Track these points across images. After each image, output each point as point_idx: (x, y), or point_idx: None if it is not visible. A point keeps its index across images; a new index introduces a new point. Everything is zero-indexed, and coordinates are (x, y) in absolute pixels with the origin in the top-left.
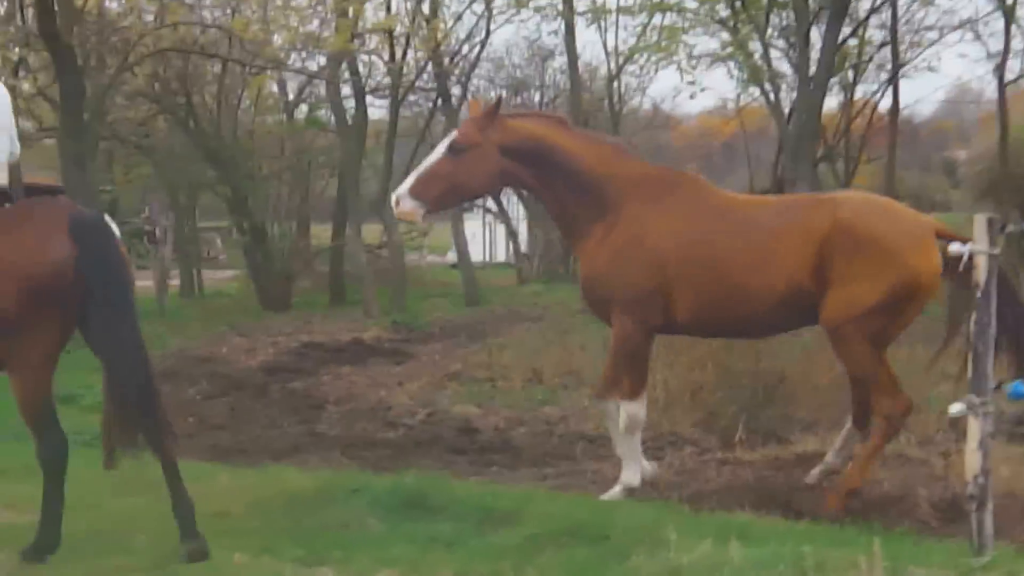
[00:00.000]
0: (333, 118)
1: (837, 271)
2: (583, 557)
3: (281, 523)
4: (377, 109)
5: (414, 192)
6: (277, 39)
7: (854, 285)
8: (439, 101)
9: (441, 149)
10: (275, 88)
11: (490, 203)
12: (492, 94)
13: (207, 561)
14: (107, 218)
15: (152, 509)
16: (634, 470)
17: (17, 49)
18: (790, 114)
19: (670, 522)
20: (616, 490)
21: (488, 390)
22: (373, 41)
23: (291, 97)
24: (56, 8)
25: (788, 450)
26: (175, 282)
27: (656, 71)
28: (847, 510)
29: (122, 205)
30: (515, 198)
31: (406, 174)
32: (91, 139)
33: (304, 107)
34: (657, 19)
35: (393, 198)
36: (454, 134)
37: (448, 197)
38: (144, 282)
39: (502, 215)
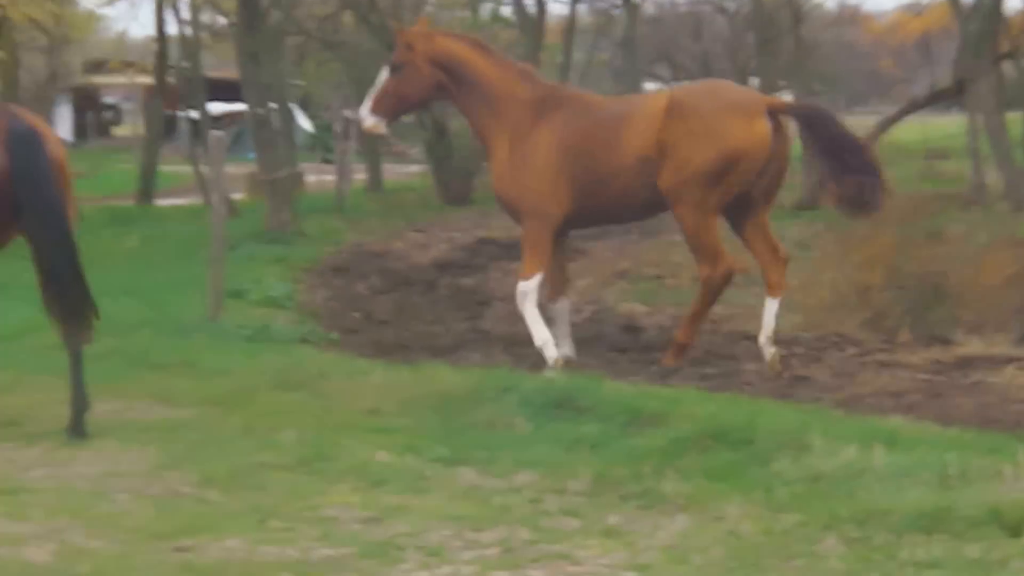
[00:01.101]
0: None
1: (671, 142)
2: (724, 461)
3: (429, 421)
4: (559, 4)
5: (373, 109)
6: None
7: (682, 152)
8: None
9: (385, 70)
10: None
11: None
12: None
13: (353, 459)
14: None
15: (304, 406)
16: (540, 332)
17: None
18: (972, 9)
19: (816, 427)
20: (544, 355)
21: (656, 288)
22: None
23: None
24: None
25: (950, 352)
26: (361, 176)
27: None
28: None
29: (314, 100)
30: None
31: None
32: (269, 34)
33: (489, 4)
34: None
35: (359, 116)
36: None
37: (398, 108)
38: (330, 176)
39: None
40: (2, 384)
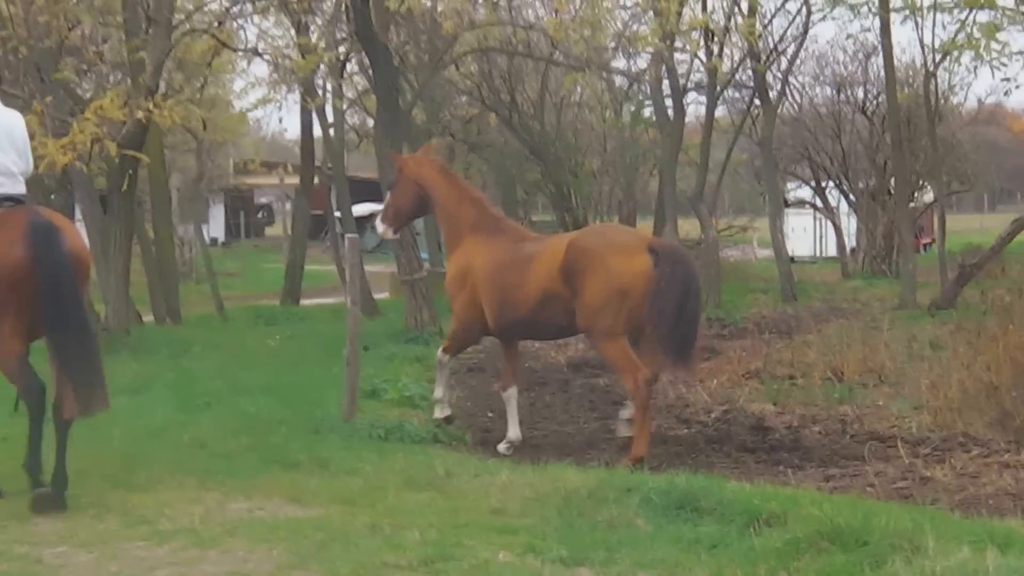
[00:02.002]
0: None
1: (576, 281)
2: (839, 563)
3: (552, 522)
4: (700, 105)
5: (382, 219)
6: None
7: (584, 293)
8: (756, 97)
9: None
10: (603, 87)
11: (816, 199)
12: (817, 90)
13: (475, 559)
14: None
15: (432, 505)
16: (441, 390)
17: (342, 48)
18: None
19: (931, 528)
20: (435, 408)
21: (786, 388)
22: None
23: (616, 95)
24: (371, 10)
25: None
26: None
27: (976, 68)
28: None
29: None
30: (838, 192)
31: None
32: (407, 135)
33: (630, 107)
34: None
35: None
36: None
37: (398, 218)
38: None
39: (827, 210)
40: (138, 483)
